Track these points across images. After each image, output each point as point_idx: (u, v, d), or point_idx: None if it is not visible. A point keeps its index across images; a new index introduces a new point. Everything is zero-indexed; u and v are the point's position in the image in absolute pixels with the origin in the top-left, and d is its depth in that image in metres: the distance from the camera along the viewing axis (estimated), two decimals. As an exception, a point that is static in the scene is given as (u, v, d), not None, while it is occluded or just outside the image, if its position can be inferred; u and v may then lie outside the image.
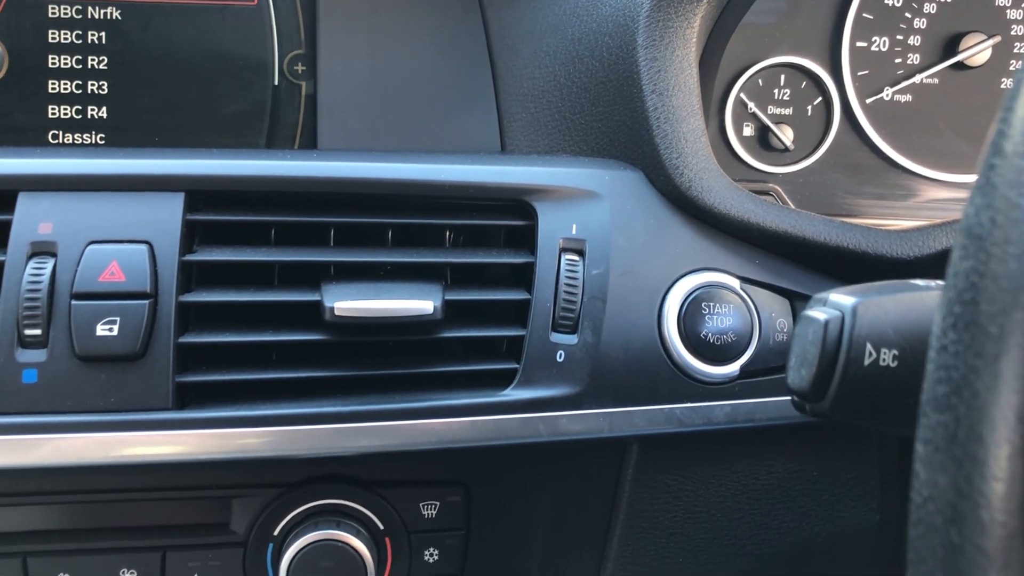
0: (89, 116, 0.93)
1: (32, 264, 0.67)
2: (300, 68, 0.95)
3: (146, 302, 0.67)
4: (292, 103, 0.95)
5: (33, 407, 0.65)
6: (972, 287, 0.33)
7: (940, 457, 0.33)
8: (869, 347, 0.50)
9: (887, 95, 0.98)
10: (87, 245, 0.68)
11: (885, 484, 0.83)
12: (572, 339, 0.72)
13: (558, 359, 0.72)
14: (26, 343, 0.66)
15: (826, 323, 0.51)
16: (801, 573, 0.86)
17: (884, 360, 0.50)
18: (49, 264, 0.67)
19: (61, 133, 0.93)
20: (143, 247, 0.68)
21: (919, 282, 0.54)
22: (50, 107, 0.93)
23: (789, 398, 0.58)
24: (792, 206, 0.97)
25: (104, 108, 0.94)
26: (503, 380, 0.72)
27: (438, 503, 0.76)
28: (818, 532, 0.83)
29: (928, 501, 0.34)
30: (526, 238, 0.75)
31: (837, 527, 0.83)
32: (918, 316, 0.51)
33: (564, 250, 0.74)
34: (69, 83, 0.93)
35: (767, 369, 0.75)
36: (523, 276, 0.74)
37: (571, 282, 0.73)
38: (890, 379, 0.51)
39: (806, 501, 0.82)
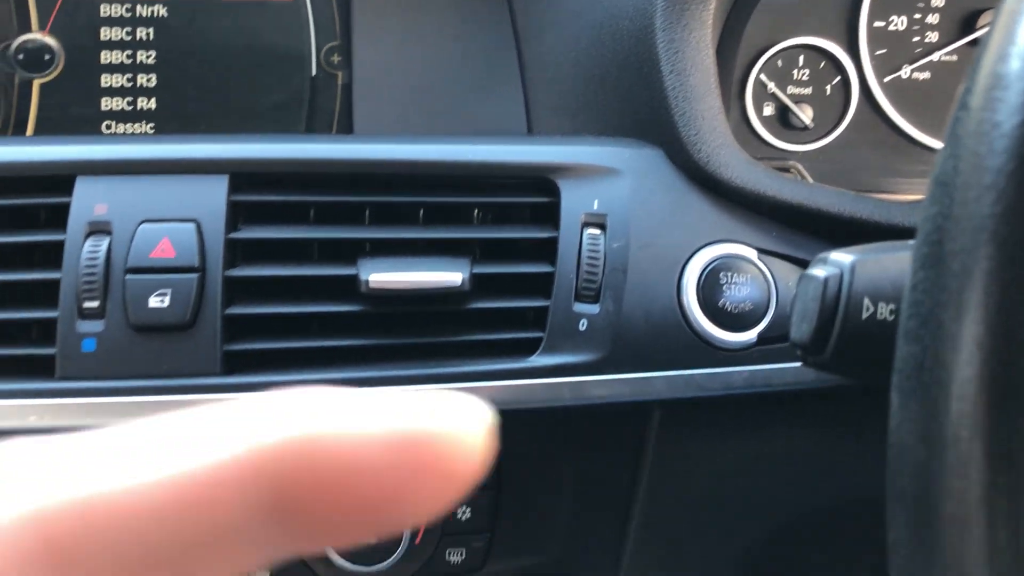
0: (139, 107, 0.99)
1: (89, 242, 0.72)
2: (336, 59, 1.00)
3: (195, 275, 0.72)
4: (329, 92, 1.00)
5: (93, 373, 0.71)
6: (938, 229, 0.37)
7: (910, 383, 0.37)
8: (867, 301, 0.53)
9: (905, 73, 1.00)
10: (139, 224, 0.73)
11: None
12: (594, 308, 0.76)
13: (580, 328, 0.75)
14: (85, 315, 0.71)
15: (825, 280, 0.54)
16: (835, 531, 0.88)
17: (881, 314, 0.53)
18: (105, 242, 0.72)
19: (114, 123, 0.99)
20: (191, 225, 0.73)
21: (918, 242, 0.57)
22: (103, 100, 0.99)
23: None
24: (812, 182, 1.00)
25: (153, 99, 0.99)
26: (528, 348, 0.76)
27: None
28: (846, 494, 0.85)
29: (901, 423, 0.37)
30: (550, 214, 0.79)
31: (868, 492, 0.85)
32: (915, 273, 0.54)
33: (586, 224, 0.77)
34: (120, 77, 0.98)
35: (784, 336, 0.78)
36: (547, 250, 0.78)
37: (593, 255, 0.76)
38: (888, 332, 0.53)
39: (831, 464, 0.84)
